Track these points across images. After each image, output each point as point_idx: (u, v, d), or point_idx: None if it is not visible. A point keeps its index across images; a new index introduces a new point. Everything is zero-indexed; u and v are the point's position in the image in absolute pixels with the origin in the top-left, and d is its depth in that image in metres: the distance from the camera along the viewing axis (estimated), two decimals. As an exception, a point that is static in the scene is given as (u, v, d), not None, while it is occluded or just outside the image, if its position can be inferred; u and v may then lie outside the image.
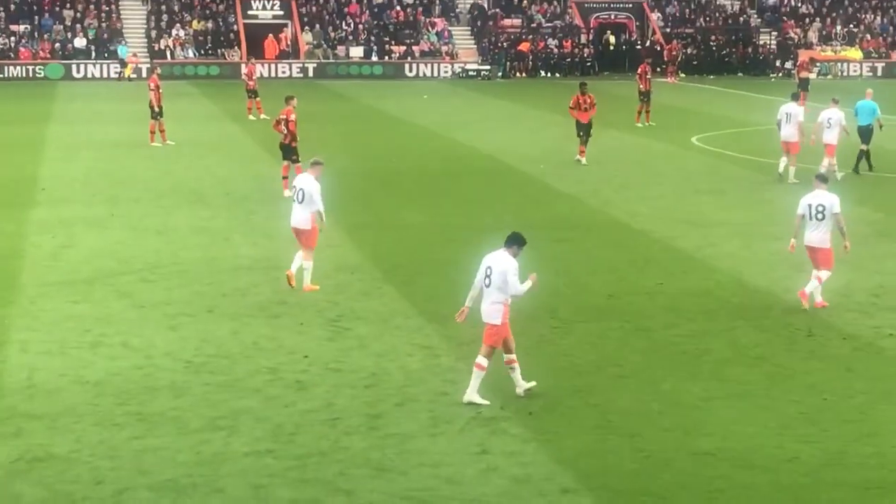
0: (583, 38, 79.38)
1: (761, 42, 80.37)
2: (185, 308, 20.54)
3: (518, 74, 75.95)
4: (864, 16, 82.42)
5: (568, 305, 20.88)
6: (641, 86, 47.30)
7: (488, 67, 74.96)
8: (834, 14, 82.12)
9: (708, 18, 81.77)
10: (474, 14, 79.86)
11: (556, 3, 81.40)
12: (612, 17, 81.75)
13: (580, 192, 32.27)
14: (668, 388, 16.63)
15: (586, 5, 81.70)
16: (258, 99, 49.24)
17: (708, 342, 18.79)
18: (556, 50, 77.76)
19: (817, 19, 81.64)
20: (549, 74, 76.35)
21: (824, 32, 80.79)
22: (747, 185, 33.67)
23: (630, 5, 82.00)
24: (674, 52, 74.58)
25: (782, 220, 28.35)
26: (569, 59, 77.38)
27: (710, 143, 42.43)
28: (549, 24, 79.68)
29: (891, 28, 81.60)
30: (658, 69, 74.58)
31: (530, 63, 76.68)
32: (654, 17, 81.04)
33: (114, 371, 17.19)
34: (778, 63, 78.20)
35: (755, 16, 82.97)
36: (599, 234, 27.16)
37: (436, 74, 75.05)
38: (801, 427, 15.07)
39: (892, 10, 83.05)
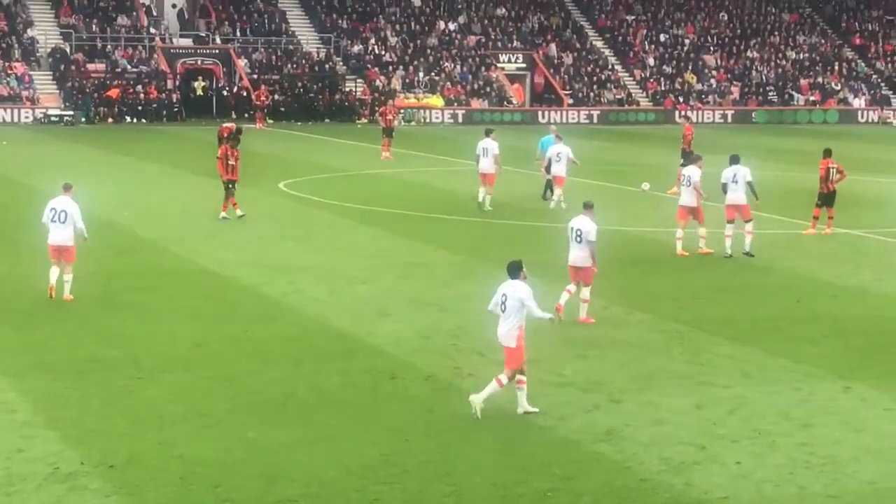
0: (169, 84, 78.67)
1: (347, 89, 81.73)
2: None
3: (107, 120, 74.45)
4: (444, 64, 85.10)
5: (152, 355, 20.50)
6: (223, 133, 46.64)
7: (71, 113, 73.21)
8: (416, 62, 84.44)
9: (295, 65, 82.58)
10: (56, 57, 77.93)
11: (141, 48, 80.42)
12: (199, 62, 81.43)
13: (166, 240, 31.86)
14: (253, 435, 16.51)
15: (172, 51, 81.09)
16: None
17: (293, 387, 18.80)
18: (142, 95, 76.66)
19: (401, 67, 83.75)
20: (135, 120, 75.24)
21: (407, 80, 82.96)
22: (333, 229, 34.05)
23: (217, 51, 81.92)
24: (262, 98, 74.90)
25: (366, 264, 28.89)
26: (155, 105, 76.50)
27: (297, 188, 42.75)
28: (135, 70, 78.58)
29: (470, 77, 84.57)
30: (246, 115, 74.89)
31: (117, 109, 75.34)
32: (242, 63, 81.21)
33: None
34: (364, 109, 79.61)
35: (341, 63, 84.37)
36: (186, 282, 26.83)
37: (16, 120, 72.74)
38: (382, 469, 15.25)
39: (470, 60, 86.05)
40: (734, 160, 31.30)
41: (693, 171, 30.45)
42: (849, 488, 14.93)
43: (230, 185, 35.10)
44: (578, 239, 23.00)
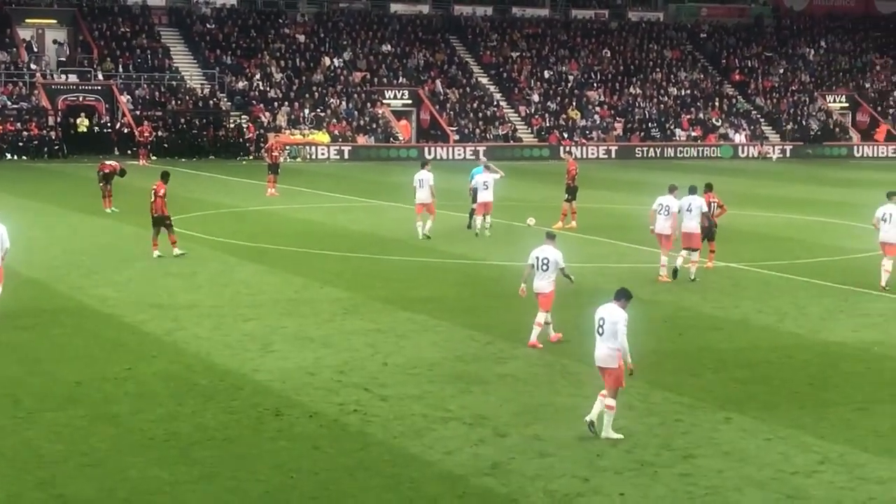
0: (50, 121, 77.75)
1: (232, 125, 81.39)
2: None
3: (-13, 158, 73.44)
4: (330, 100, 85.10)
5: (32, 395, 20.18)
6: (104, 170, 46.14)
7: (-50, 150, 72.10)
8: (302, 99, 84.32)
9: (179, 101, 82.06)
10: (-72, 95, 76.77)
11: (21, 84, 79.44)
12: (81, 99, 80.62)
13: (47, 278, 31.43)
14: (135, 474, 16.31)
15: (53, 87, 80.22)
16: None
17: (176, 426, 18.60)
18: (23, 132, 75.67)
19: (286, 103, 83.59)
20: (16, 157, 74.18)
21: (293, 116, 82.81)
22: (218, 266, 33.78)
23: (99, 87, 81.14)
24: (145, 135, 74.18)
25: (251, 300, 28.72)
26: (36, 142, 75.53)
27: (182, 225, 42.33)
28: (16, 106, 77.56)
29: (356, 113, 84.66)
30: (129, 151, 74.22)
31: (-3, 146, 74.36)
32: (124, 99, 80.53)
33: None
34: (249, 146, 79.32)
35: (225, 99, 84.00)
36: (67, 320, 26.46)
37: None
38: (267, 507, 15.15)
39: (356, 96, 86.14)
40: (692, 191, 33.12)
41: (671, 201, 32.11)
42: (730, 518, 15.11)
43: (167, 223, 34.75)
44: (545, 267, 24.12)
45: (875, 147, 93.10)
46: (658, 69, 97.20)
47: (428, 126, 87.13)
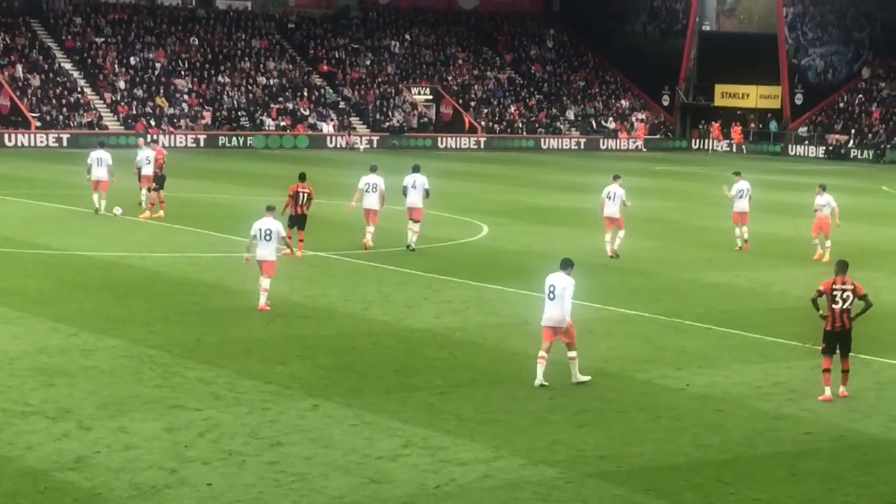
0: None
1: None
2: None
3: None
4: None
5: None
6: None
7: None
8: None
9: None
10: None
11: None
12: None
13: None
14: None
15: None
16: None
17: None
18: None
19: None
20: None
21: None
22: None
23: None
24: None
25: None
26: None
27: None
28: None
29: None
30: None
31: None
32: None
33: None
34: None
35: None
36: None
37: None
38: None
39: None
40: (415, 169, 36.87)
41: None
42: (317, 504, 15.26)
43: None
44: (268, 237, 26.73)
45: (458, 139, 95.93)
46: (247, 58, 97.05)
47: (8, 112, 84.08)
